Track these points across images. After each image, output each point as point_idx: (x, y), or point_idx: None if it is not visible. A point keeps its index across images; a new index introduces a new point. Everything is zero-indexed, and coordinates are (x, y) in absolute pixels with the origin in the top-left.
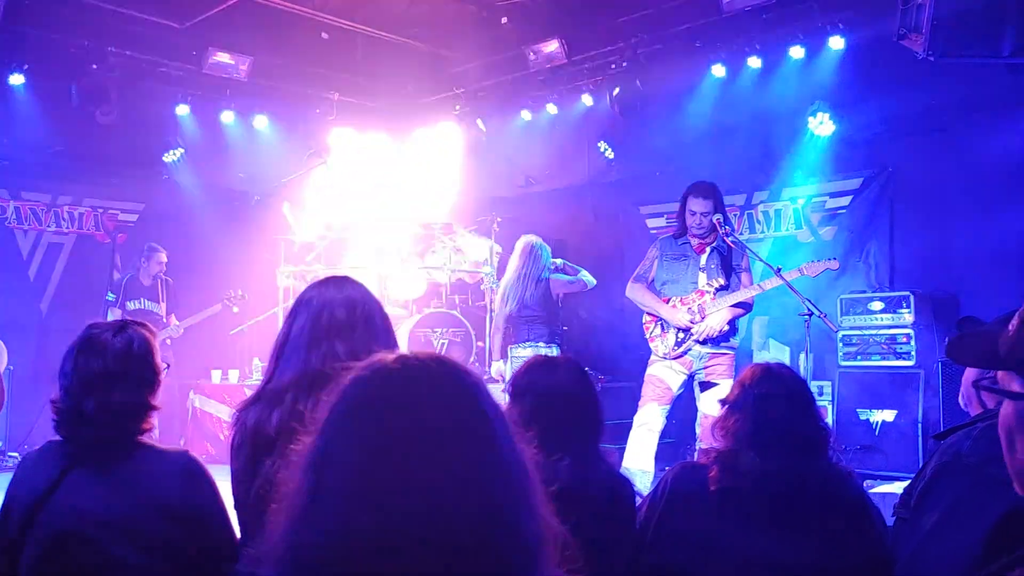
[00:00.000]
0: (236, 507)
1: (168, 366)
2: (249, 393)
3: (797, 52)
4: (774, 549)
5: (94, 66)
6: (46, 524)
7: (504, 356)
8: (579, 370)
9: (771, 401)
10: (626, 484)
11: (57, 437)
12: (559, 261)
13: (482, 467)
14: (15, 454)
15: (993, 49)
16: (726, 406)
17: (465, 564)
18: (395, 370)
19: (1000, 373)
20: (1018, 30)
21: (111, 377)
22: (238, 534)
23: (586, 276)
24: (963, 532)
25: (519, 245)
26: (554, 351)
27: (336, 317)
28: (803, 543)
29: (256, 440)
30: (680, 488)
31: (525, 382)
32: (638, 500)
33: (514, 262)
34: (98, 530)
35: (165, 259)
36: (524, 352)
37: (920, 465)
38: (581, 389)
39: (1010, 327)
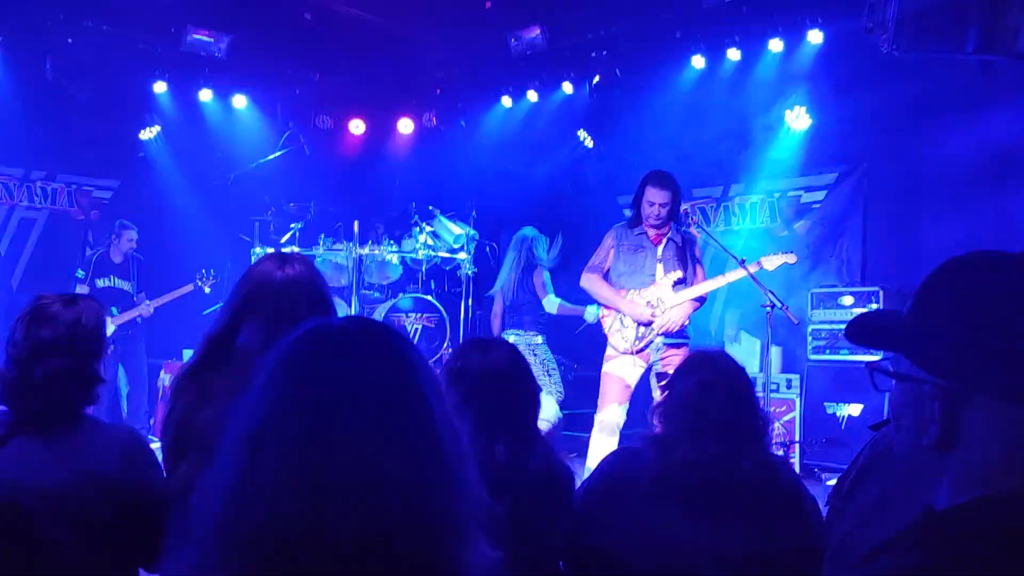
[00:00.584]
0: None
1: (112, 344)
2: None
3: (776, 45)
4: (707, 536)
5: (69, 40)
6: None
7: None
8: (512, 351)
9: (707, 389)
10: (563, 467)
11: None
12: (546, 264)
13: (413, 434)
14: None
15: (957, 45)
16: (664, 392)
17: (395, 536)
18: (330, 335)
19: (892, 355)
20: (981, 27)
21: (59, 346)
22: None
23: (547, 302)
24: (888, 522)
25: (515, 236)
26: (539, 339)
27: (267, 304)
28: (736, 531)
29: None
30: (616, 473)
31: (460, 365)
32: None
33: (510, 252)
34: (35, 502)
35: (135, 236)
36: (508, 338)
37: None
38: (514, 369)
39: (904, 311)
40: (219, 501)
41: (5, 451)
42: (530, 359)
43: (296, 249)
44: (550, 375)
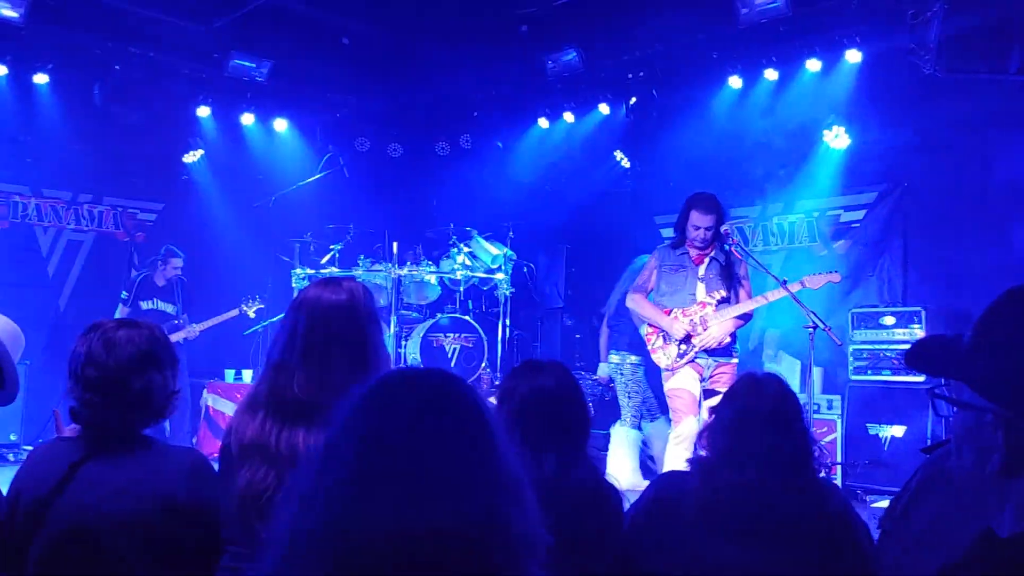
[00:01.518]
0: (221, 505)
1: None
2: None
3: (814, 65)
4: (752, 562)
5: (117, 67)
6: (54, 521)
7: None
8: (564, 373)
9: (748, 417)
10: (611, 489)
11: (65, 434)
12: None
13: (474, 471)
14: (29, 447)
15: (1000, 66)
16: (712, 416)
17: (453, 564)
18: (397, 380)
19: (954, 383)
20: None
21: (148, 360)
22: None
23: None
24: (943, 546)
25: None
26: (633, 359)
27: (315, 330)
28: (781, 557)
29: (238, 449)
30: (663, 497)
31: (510, 385)
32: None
33: (625, 274)
34: (107, 527)
35: (181, 264)
36: (612, 358)
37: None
38: (565, 392)
39: (965, 338)
40: (288, 518)
41: (75, 477)
42: (617, 379)
43: (336, 270)
44: (630, 398)
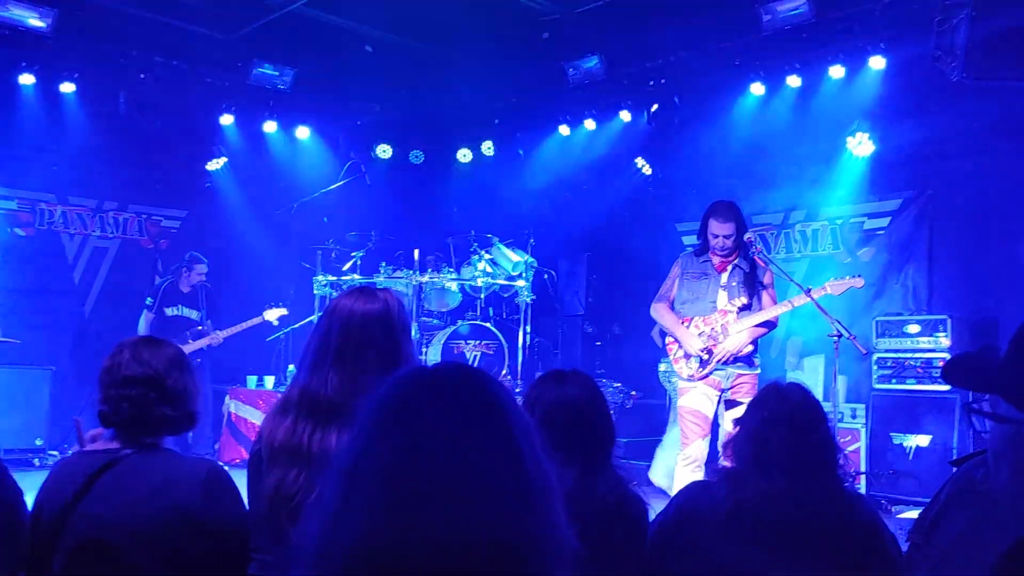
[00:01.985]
0: (250, 513)
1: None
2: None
3: (837, 71)
4: (779, 571)
5: (142, 76)
6: (73, 532)
7: None
8: (588, 383)
9: (774, 424)
10: (636, 499)
11: (86, 447)
12: None
13: (504, 477)
14: (55, 452)
15: None
16: (737, 426)
17: (488, 572)
18: (425, 378)
19: (990, 397)
20: None
21: (182, 363)
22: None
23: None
24: (974, 559)
25: None
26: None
27: (349, 336)
28: (809, 565)
29: (268, 451)
30: (689, 506)
31: (534, 395)
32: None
33: None
34: (122, 538)
35: (205, 271)
36: (661, 367)
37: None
38: (588, 402)
39: (1001, 351)
40: (318, 529)
41: (92, 489)
42: (667, 386)
43: (357, 277)
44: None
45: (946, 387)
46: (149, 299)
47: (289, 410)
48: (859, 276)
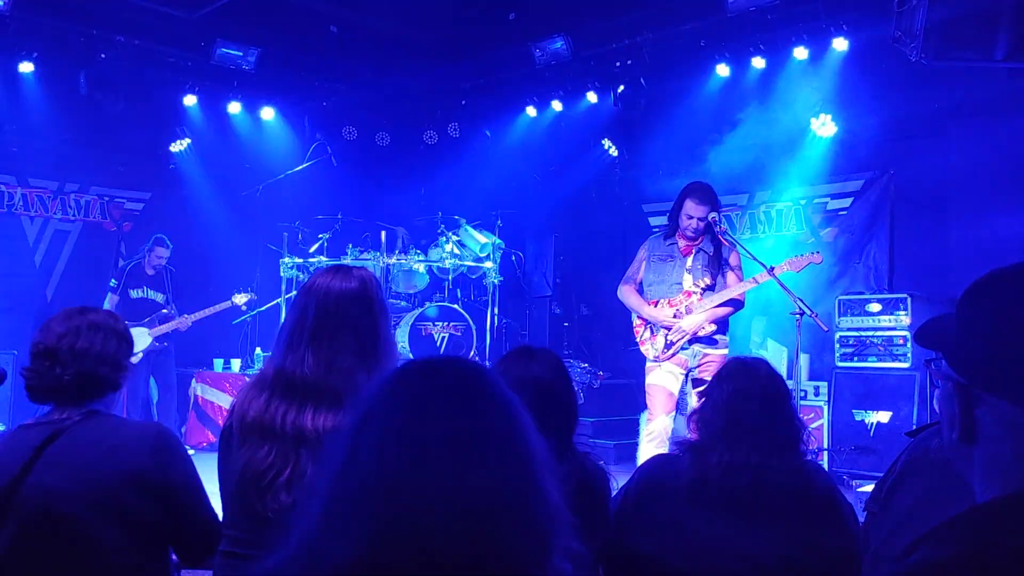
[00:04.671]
0: (220, 489)
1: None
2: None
3: (801, 53)
4: (742, 539)
5: (102, 55)
6: (23, 505)
7: None
8: (554, 360)
9: (743, 398)
10: (598, 470)
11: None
12: None
13: (515, 446)
14: None
15: (986, 53)
16: (702, 399)
17: (483, 551)
18: (421, 368)
19: (937, 355)
20: (1011, 35)
21: (88, 329)
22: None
23: None
24: (927, 527)
25: None
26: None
27: (326, 315)
28: (770, 535)
29: (240, 427)
30: (653, 477)
31: (501, 370)
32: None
33: None
34: (74, 507)
35: (166, 254)
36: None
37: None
38: (555, 379)
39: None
40: (316, 507)
41: (39, 460)
42: None
43: (324, 259)
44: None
45: (906, 364)
46: (113, 281)
47: (264, 388)
48: (817, 252)
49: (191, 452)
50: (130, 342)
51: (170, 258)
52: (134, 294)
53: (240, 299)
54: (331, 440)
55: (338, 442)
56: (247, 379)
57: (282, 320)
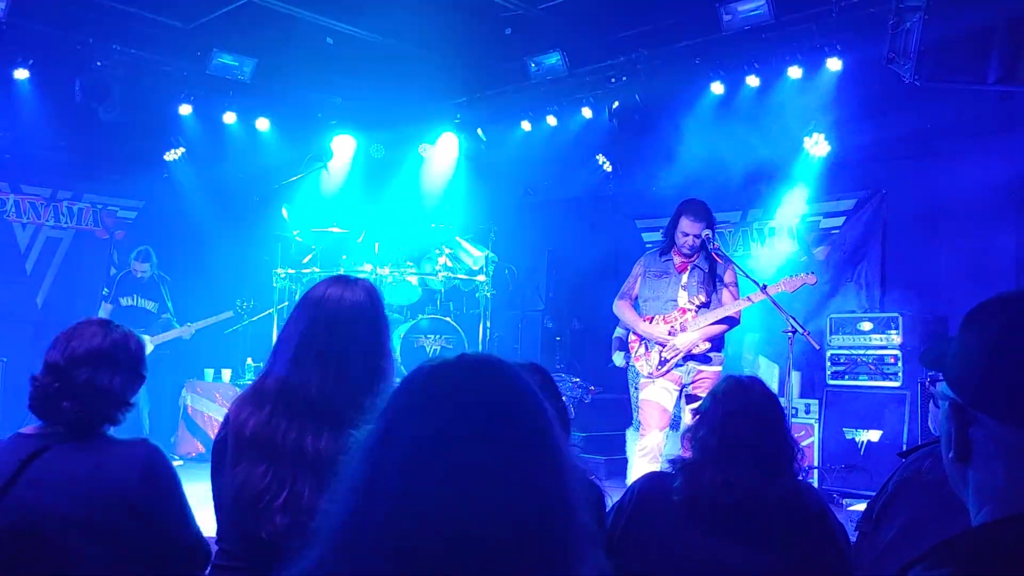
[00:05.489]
0: (214, 502)
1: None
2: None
3: (795, 72)
4: (735, 558)
5: (98, 63)
6: (3, 519)
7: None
8: (543, 375)
9: (737, 417)
10: (594, 490)
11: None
12: None
13: (534, 463)
14: None
15: (979, 76)
16: (696, 417)
17: (512, 558)
18: (454, 365)
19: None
20: (1004, 58)
21: (103, 358)
22: (212, 533)
23: None
24: (918, 548)
25: None
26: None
27: (335, 331)
28: (763, 554)
29: (236, 440)
30: (647, 495)
31: None
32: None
33: None
34: (56, 525)
35: (145, 268)
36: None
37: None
38: (543, 393)
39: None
40: (342, 509)
41: (24, 474)
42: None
43: (317, 270)
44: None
45: (897, 383)
46: (105, 289)
47: (265, 401)
48: (812, 273)
49: (180, 463)
50: (143, 376)
51: (160, 267)
52: (124, 302)
53: (241, 309)
54: (351, 456)
55: (359, 458)
56: (238, 390)
57: (276, 330)
